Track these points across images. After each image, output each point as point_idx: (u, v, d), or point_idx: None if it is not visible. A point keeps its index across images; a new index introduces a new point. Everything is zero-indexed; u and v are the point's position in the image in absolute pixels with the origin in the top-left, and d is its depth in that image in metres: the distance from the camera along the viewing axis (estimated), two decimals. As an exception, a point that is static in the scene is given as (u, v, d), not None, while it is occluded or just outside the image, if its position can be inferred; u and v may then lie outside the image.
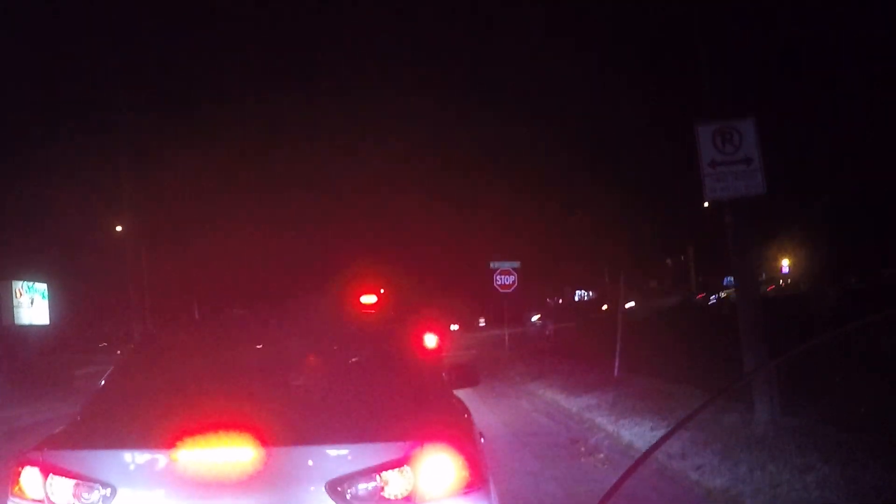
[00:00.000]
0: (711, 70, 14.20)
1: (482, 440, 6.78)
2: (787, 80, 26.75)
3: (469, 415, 6.95)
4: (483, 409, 18.56)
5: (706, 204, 17.72)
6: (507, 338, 39.58)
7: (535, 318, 59.83)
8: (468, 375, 8.00)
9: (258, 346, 6.97)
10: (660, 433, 13.32)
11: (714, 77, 14.19)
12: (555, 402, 19.55)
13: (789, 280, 57.62)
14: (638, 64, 31.53)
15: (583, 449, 13.45)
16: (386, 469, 5.13)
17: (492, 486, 5.55)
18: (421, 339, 7.43)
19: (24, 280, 43.90)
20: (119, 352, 32.90)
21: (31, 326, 43.58)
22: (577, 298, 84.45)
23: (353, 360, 6.96)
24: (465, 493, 5.23)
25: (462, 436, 5.71)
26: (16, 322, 42.42)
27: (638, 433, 13.79)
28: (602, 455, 12.85)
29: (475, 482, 5.29)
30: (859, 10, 24.81)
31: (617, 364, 22.13)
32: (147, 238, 42.35)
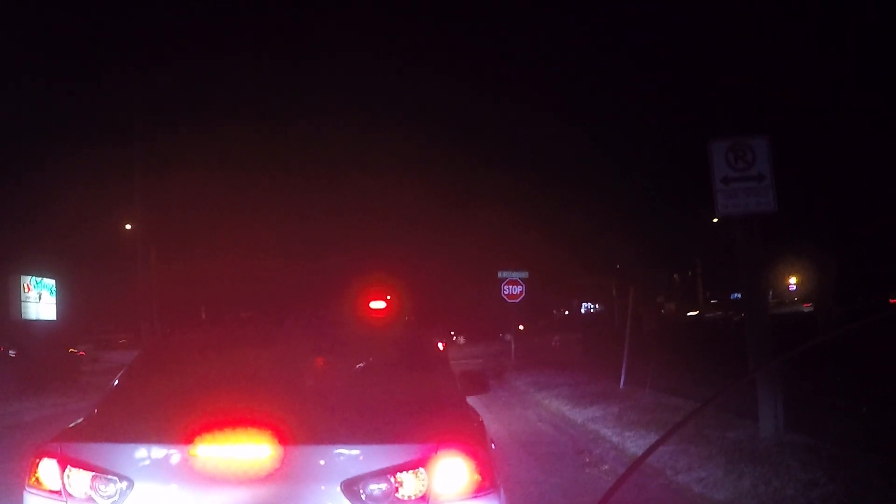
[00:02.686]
0: (726, 87, 14.28)
1: (493, 446, 6.86)
2: (801, 100, 26.75)
3: (481, 420, 7.02)
4: (489, 417, 18.60)
5: (715, 219, 17.78)
6: (513, 349, 39.59)
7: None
8: (478, 382, 8.08)
9: (273, 347, 7.02)
10: (667, 446, 13.38)
11: (728, 94, 14.26)
12: (560, 412, 19.56)
13: (796, 298, 57.65)
14: (651, 79, 31.59)
15: (587, 459, 13.48)
16: (401, 470, 5.20)
17: (502, 490, 5.62)
18: (434, 345, 7.51)
19: (33, 275, 43.99)
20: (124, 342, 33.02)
21: (38, 321, 43.65)
22: (583, 311, 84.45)
23: (366, 363, 7.03)
24: (477, 496, 5.30)
25: (475, 440, 5.77)
26: (23, 316, 42.54)
27: (643, 445, 13.79)
28: (606, 466, 12.86)
29: (486, 485, 5.36)
30: (880, 32, 24.83)
31: (623, 377, 22.20)
32: (156, 238, 42.44)
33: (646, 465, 12.94)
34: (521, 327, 50.72)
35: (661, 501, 10.43)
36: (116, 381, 6.57)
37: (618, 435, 15.05)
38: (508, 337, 54.59)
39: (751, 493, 9.97)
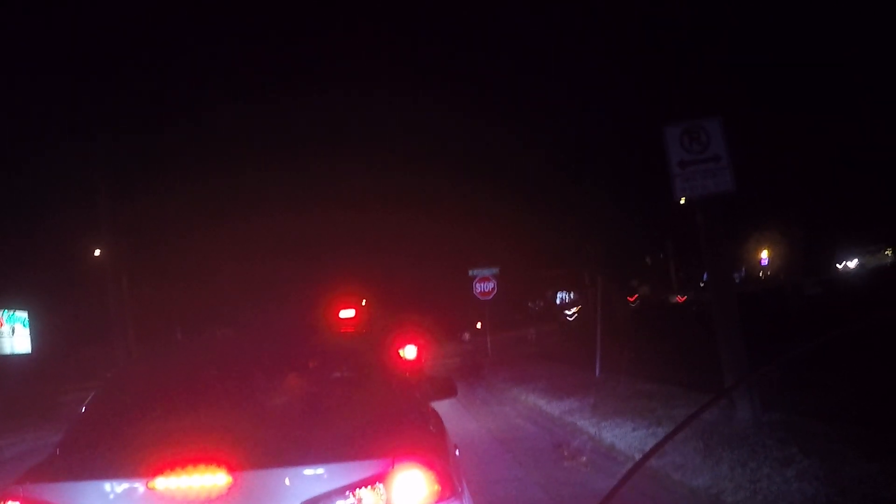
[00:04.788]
0: (678, 69, 14.32)
1: (457, 452, 6.86)
2: (764, 74, 26.91)
3: (441, 427, 7.01)
4: (467, 416, 18.66)
5: (682, 201, 17.87)
6: (489, 345, 39.65)
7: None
8: (445, 387, 8.12)
9: (231, 369, 6.99)
10: (641, 433, 13.45)
11: (680, 76, 14.30)
12: (537, 406, 19.60)
13: (769, 272, 57.93)
14: (614, 63, 31.68)
15: (566, 453, 13.46)
16: (359, 487, 5.20)
17: (466, 496, 5.64)
18: (396, 353, 7.51)
19: (5, 308, 43.74)
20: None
21: (13, 356, 43.40)
22: (558, 301, 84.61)
23: (330, 377, 7.03)
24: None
25: (433, 450, 5.77)
26: (-2, 352, 42.33)
27: (619, 434, 13.85)
28: (585, 458, 12.87)
29: (447, 494, 5.37)
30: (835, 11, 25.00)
31: (598, 366, 22.26)
32: (128, 261, 42.20)
33: (618, 451, 13.03)
34: (478, 325, 50.61)
35: (637, 489, 10.39)
36: (80, 415, 6.55)
37: (594, 426, 15.10)
38: (468, 336, 54.73)
39: (728, 477, 10.01)
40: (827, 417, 12.16)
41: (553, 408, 18.47)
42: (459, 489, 5.58)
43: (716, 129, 13.44)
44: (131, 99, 40.06)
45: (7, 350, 43.34)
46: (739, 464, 10.35)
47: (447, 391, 8.14)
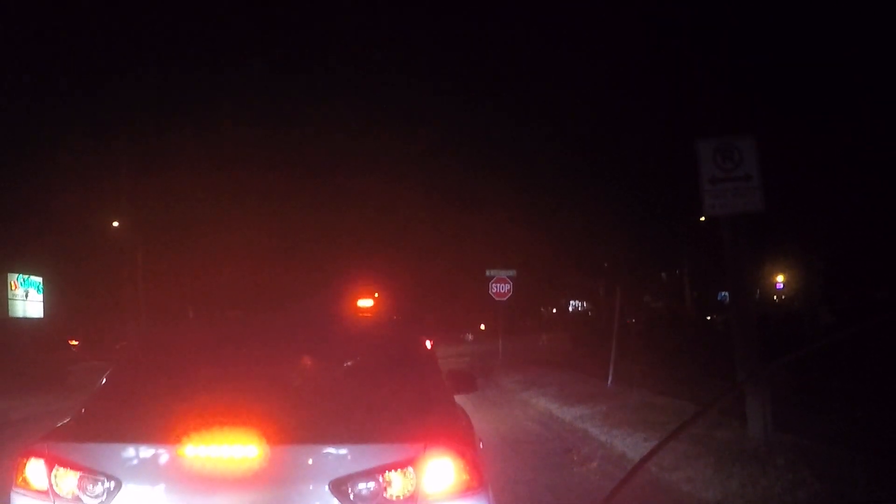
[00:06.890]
0: (712, 86, 14.28)
1: (481, 445, 6.86)
2: (786, 97, 26.82)
3: (469, 420, 7.02)
4: (477, 416, 18.52)
5: (702, 218, 17.78)
6: (500, 347, 39.55)
7: None
8: (466, 382, 8.10)
9: (260, 346, 6.98)
10: (652, 444, 13.39)
11: (714, 93, 14.26)
12: (548, 411, 19.59)
13: (784, 297, 57.65)
14: (638, 78, 31.61)
15: (576, 458, 13.46)
16: (389, 470, 5.20)
17: (490, 490, 5.62)
18: (422, 343, 7.50)
19: (20, 273, 43.84)
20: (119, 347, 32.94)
21: (25, 319, 43.50)
22: (570, 309, 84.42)
23: (353, 362, 7.02)
24: (465, 495, 5.31)
25: (463, 440, 5.78)
26: (10, 314, 42.39)
27: (631, 444, 13.83)
28: (595, 465, 12.86)
29: (474, 485, 5.36)
30: (862, 30, 24.90)
31: (610, 376, 22.22)
32: (144, 235, 42.28)
33: (629, 460, 13.00)
34: (482, 326, 50.61)
35: (649, 501, 10.40)
36: (104, 380, 6.55)
37: (605, 433, 15.08)
38: (471, 337, 54.77)
39: (738, 493, 9.99)
40: (838, 441, 12.12)
41: (564, 413, 18.45)
42: (486, 482, 5.57)
43: (749, 147, 13.38)
44: (155, 70, 40.12)
45: (20, 313, 43.47)
46: (750, 482, 10.31)
47: (467, 386, 8.11)
